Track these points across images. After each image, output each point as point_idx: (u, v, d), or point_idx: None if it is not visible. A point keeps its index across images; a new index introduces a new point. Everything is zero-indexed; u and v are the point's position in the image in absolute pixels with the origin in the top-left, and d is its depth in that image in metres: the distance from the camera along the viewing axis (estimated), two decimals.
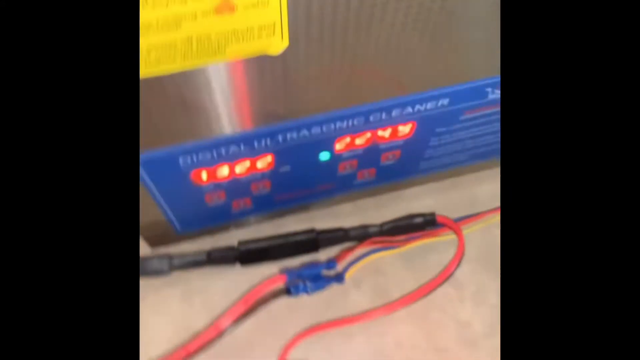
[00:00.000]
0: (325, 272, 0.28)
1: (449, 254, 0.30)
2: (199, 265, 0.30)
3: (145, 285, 0.30)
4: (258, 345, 0.28)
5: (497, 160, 0.31)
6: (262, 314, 0.28)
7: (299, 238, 0.30)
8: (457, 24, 0.19)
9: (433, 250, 0.30)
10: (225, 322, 0.26)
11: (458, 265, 0.29)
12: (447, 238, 0.30)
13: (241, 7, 0.15)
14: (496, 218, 0.31)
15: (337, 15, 0.17)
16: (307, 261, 0.29)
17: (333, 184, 0.28)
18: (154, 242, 0.30)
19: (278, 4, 0.16)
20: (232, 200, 0.26)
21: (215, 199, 0.26)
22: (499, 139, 0.28)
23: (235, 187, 0.25)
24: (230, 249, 0.29)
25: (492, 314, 0.30)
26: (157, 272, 0.29)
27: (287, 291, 0.27)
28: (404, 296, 0.28)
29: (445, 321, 0.30)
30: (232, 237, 0.30)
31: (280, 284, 0.26)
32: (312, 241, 0.30)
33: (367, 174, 0.28)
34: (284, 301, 0.28)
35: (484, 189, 0.33)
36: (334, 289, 0.30)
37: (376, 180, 0.29)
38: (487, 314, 0.30)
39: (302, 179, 0.26)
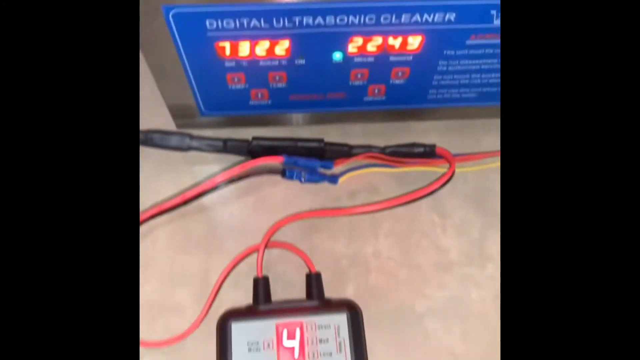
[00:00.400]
0: (322, 170, 0.31)
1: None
2: (214, 150, 0.33)
3: (164, 157, 0.33)
4: (247, 221, 0.31)
5: None
6: (254, 190, 0.31)
7: (307, 144, 0.32)
8: None
9: (428, 178, 0.32)
10: (220, 178, 0.29)
11: (442, 185, 0.30)
12: (443, 170, 0.32)
13: None
14: (495, 164, 0.33)
15: None
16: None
17: (344, 94, 0.30)
18: (179, 122, 0.33)
19: None
20: (250, 88, 0.29)
21: (236, 82, 0.29)
22: None
23: (254, 72, 0.28)
24: (244, 141, 0.32)
25: (470, 246, 0.31)
26: (177, 148, 0.33)
27: (283, 173, 0.30)
28: (389, 199, 0.30)
29: (425, 244, 0.32)
30: (249, 134, 0.33)
31: (277, 162, 0.29)
32: (319, 149, 0.32)
33: (377, 90, 0.30)
34: (277, 183, 0.31)
35: (489, 137, 0.34)
36: (327, 193, 0.32)
37: (386, 101, 0.31)
38: (466, 245, 0.31)
39: (316, 79, 0.29)
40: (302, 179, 0.30)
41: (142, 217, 0.29)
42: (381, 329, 0.29)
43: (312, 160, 0.30)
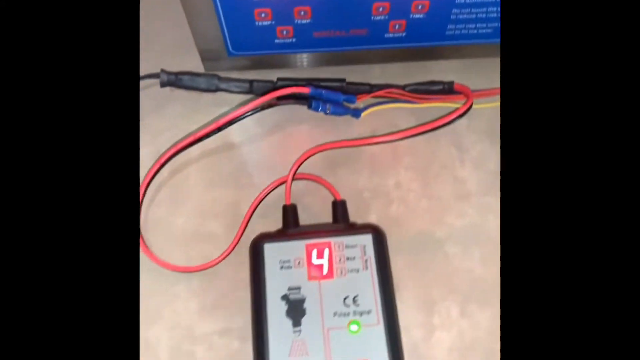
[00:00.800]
0: (347, 104, 0.32)
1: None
2: (241, 91, 0.34)
3: (194, 98, 0.34)
4: (273, 157, 0.33)
5: None
6: (279, 128, 0.33)
7: (329, 84, 0.33)
8: None
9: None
10: (252, 105, 0.30)
11: (461, 116, 0.31)
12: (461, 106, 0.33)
13: None
14: None
15: None
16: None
17: (366, 30, 0.31)
18: (208, 65, 0.34)
19: None
20: (277, 24, 0.30)
21: (263, 18, 0.30)
22: None
23: (281, 7, 0.29)
24: (269, 81, 0.34)
25: (487, 178, 0.33)
26: (205, 89, 0.34)
27: (309, 104, 0.31)
28: (408, 128, 0.32)
29: (444, 176, 0.33)
30: (274, 76, 0.34)
31: (304, 92, 0.30)
32: (341, 89, 0.33)
33: (398, 26, 0.31)
34: (302, 121, 0.33)
35: None
36: (350, 130, 0.34)
37: (406, 37, 0.32)
38: (483, 177, 0.33)
39: (339, 14, 0.30)
40: (327, 111, 0.31)
41: (178, 146, 0.30)
42: (403, 254, 0.30)
43: (336, 93, 0.31)
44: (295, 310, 0.27)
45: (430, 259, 0.31)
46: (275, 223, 0.31)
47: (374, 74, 0.35)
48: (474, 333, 0.29)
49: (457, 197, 0.32)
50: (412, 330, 0.29)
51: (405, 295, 0.29)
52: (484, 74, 0.35)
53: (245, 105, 0.31)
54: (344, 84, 0.33)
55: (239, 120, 0.30)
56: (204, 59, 0.34)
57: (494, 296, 0.29)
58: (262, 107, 0.31)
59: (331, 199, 0.31)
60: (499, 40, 0.33)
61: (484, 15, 0.31)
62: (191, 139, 0.31)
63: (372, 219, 0.31)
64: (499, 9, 0.30)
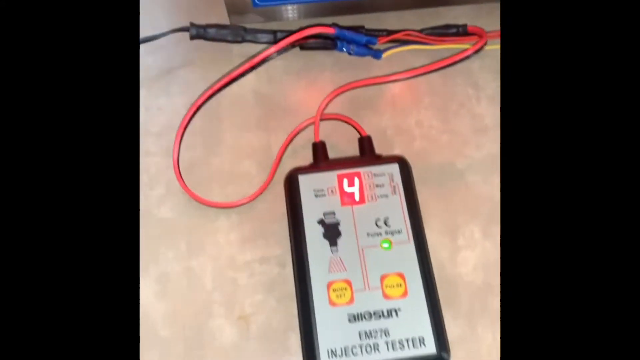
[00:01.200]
0: (369, 45, 0.34)
1: (470, 61, 0.35)
2: (265, 41, 0.36)
3: (221, 48, 0.36)
4: (300, 101, 0.34)
5: None
6: (305, 73, 0.35)
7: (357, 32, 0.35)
8: None
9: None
10: (273, 50, 0.32)
11: (476, 52, 0.33)
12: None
13: None
14: None
15: None
16: None
17: None
18: (234, 19, 0.36)
19: None
20: None
21: None
22: None
23: None
24: (292, 31, 0.35)
25: None
26: (231, 40, 0.36)
27: (334, 45, 0.33)
28: (427, 64, 0.33)
29: (462, 113, 0.35)
30: (296, 27, 0.36)
31: (329, 32, 0.32)
32: (366, 34, 0.35)
33: None
34: (325, 67, 0.34)
35: None
36: (372, 73, 0.35)
37: None
38: (498, 111, 0.34)
39: None
40: (351, 51, 0.33)
41: (211, 90, 0.32)
42: (427, 184, 0.32)
43: (359, 34, 0.33)
44: (331, 232, 0.29)
45: (452, 188, 0.32)
46: (305, 161, 0.33)
47: (390, 21, 0.37)
48: (496, 252, 0.31)
49: (475, 131, 0.34)
50: (439, 251, 0.31)
51: (432, 222, 0.31)
52: (494, 17, 0.37)
53: (279, 42, 0.32)
54: (364, 30, 0.35)
55: (267, 61, 0.32)
56: (231, 12, 0.35)
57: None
58: (287, 49, 0.32)
59: (357, 137, 0.33)
60: None
61: None
62: (221, 83, 0.32)
63: (397, 152, 0.33)
64: None
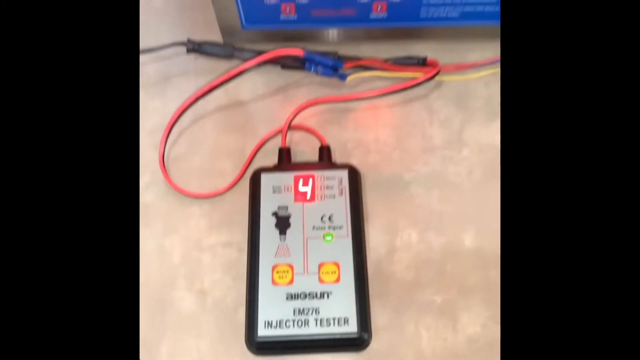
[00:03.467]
0: (335, 69, 0.38)
1: (429, 89, 0.39)
2: (251, 58, 0.40)
3: (213, 63, 0.41)
4: (274, 112, 0.39)
5: (484, 28, 0.39)
6: (280, 89, 0.39)
7: (325, 54, 0.39)
8: None
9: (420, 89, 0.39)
10: (249, 64, 0.36)
11: (427, 81, 0.37)
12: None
13: None
14: (475, 74, 0.39)
15: None
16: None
17: (354, 10, 0.37)
18: (226, 38, 0.41)
19: None
20: (281, 2, 0.37)
21: None
22: (482, 0, 0.36)
23: None
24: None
25: (451, 135, 0.38)
26: (222, 56, 0.40)
27: (303, 65, 0.37)
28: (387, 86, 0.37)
29: (415, 133, 0.38)
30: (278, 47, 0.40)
31: (299, 54, 0.36)
32: (333, 58, 0.39)
33: (380, 7, 0.37)
34: (298, 85, 0.39)
35: (472, 56, 0.40)
36: (342, 90, 0.39)
37: (387, 18, 0.38)
38: (447, 134, 0.38)
39: None
40: (318, 71, 0.37)
41: (198, 94, 0.36)
42: (377, 191, 0.36)
43: (326, 57, 0.37)
44: (282, 223, 0.33)
45: (398, 196, 0.36)
46: (272, 163, 0.37)
47: (363, 50, 0.41)
48: (428, 254, 0.34)
49: (424, 150, 0.37)
50: (378, 249, 0.34)
51: (376, 223, 0.35)
52: (453, 53, 0.40)
53: (255, 58, 0.37)
54: (338, 56, 0.39)
55: (247, 71, 0.37)
56: (223, 33, 0.40)
57: (447, 227, 0.35)
58: (266, 62, 0.36)
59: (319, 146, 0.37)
60: (464, 22, 0.38)
61: (449, 0, 0.36)
62: (206, 87, 0.37)
63: (354, 162, 0.37)
64: None
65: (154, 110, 0.39)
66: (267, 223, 0.33)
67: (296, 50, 0.36)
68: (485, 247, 0.34)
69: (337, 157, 0.37)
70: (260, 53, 0.39)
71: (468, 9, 0.37)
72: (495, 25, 0.39)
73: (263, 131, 0.38)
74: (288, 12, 0.37)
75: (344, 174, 0.34)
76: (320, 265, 0.31)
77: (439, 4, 0.37)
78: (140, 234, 0.35)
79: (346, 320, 0.30)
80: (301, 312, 0.30)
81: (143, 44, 0.40)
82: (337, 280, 0.31)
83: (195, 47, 0.40)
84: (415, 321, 0.32)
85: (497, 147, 0.37)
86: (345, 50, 0.40)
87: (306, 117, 0.39)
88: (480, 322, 0.32)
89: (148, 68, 0.41)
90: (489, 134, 0.38)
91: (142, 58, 0.41)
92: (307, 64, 0.37)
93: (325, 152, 0.36)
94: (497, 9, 0.37)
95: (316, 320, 0.30)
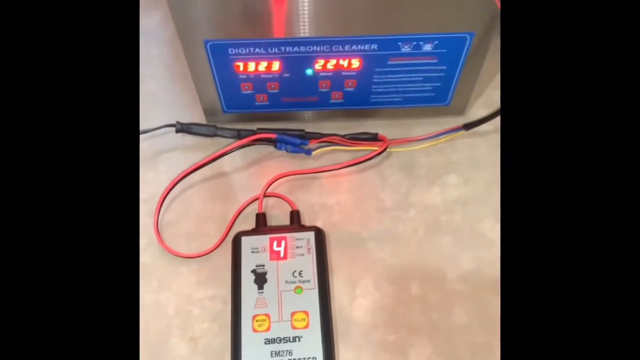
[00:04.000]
0: (302, 146, 0.45)
1: (381, 159, 0.46)
2: (231, 137, 0.47)
3: (199, 141, 0.47)
4: (252, 182, 0.45)
5: (424, 108, 0.47)
6: (256, 163, 0.46)
7: (294, 133, 0.46)
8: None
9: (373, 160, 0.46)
10: (230, 147, 0.43)
11: (377, 155, 0.44)
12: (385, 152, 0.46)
13: None
14: (419, 146, 0.47)
15: None
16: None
17: (317, 98, 0.45)
18: (209, 119, 0.48)
19: None
20: (255, 93, 0.44)
21: (246, 89, 0.43)
22: (419, 88, 0.44)
23: (258, 81, 0.43)
24: (252, 130, 0.47)
25: (400, 198, 0.45)
26: (206, 135, 0.47)
27: (275, 145, 0.44)
28: (343, 162, 0.45)
29: (370, 197, 0.45)
30: (255, 127, 0.47)
31: (271, 137, 0.43)
32: (300, 135, 0.46)
33: (337, 95, 0.44)
34: (272, 158, 0.46)
35: (415, 131, 0.48)
36: (305, 165, 0.46)
37: (344, 103, 0.45)
38: (397, 197, 0.45)
39: (297, 86, 0.43)
40: (288, 150, 0.44)
41: (187, 171, 0.43)
42: (339, 247, 0.43)
43: (294, 138, 0.44)
44: (260, 279, 0.39)
45: (356, 252, 0.43)
46: (251, 226, 0.43)
47: (326, 127, 0.48)
48: (382, 301, 0.41)
49: (378, 211, 0.45)
50: (341, 298, 0.41)
51: (339, 275, 0.41)
52: (399, 129, 0.48)
53: (234, 143, 0.44)
54: (304, 132, 0.47)
55: (228, 154, 0.43)
56: (207, 114, 0.47)
57: (397, 277, 0.41)
58: (244, 146, 0.43)
59: (290, 209, 0.44)
60: (407, 105, 0.46)
61: (393, 89, 0.44)
62: (194, 166, 0.43)
63: (319, 224, 0.44)
64: (402, 85, 0.44)
65: (148, 182, 0.46)
66: (247, 279, 0.39)
67: (269, 135, 0.43)
68: (428, 293, 0.41)
69: (306, 218, 0.44)
70: (239, 131, 0.47)
71: (409, 95, 0.45)
72: (432, 106, 0.46)
73: (242, 198, 0.45)
74: (262, 99, 0.45)
75: (311, 235, 0.41)
76: (292, 314, 0.37)
77: (385, 92, 0.44)
78: (139, 290, 0.41)
79: None
80: (277, 354, 0.36)
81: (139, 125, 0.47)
82: (307, 326, 0.37)
83: (184, 128, 0.46)
84: (374, 357, 0.38)
85: (439, 207, 0.45)
86: (310, 127, 0.47)
87: (278, 186, 0.45)
88: (426, 355, 0.38)
89: (143, 145, 0.47)
90: (431, 197, 0.45)
91: (140, 137, 0.47)
92: (278, 144, 0.44)
93: (295, 216, 0.43)
94: (432, 94, 0.45)
95: None
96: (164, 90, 0.51)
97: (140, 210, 0.44)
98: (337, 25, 0.38)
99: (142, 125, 0.47)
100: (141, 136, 0.47)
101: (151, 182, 0.46)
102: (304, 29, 0.38)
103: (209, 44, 0.39)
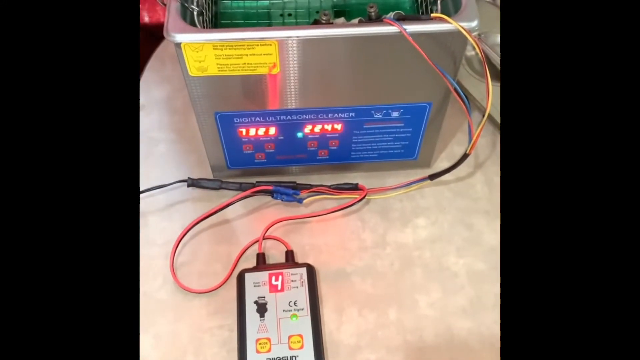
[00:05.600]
0: (294, 196, 0.52)
1: (361, 205, 0.53)
2: (235, 189, 0.54)
3: (206, 193, 0.54)
4: (253, 226, 0.52)
5: (396, 162, 0.54)
6: (256, 210, 0.52)
7: (287, 185, 0.54)
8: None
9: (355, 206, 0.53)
10: (234, 199, 0.50)
11: (358, 202, 0.51)
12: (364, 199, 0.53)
13: None
14: (394, 193, 0.54)
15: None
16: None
17: (306, 155, 0.52)
18: (215, 174, 0.55)
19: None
20: (255, 152, 0.51)
21: (247, 149, 0.51)
22: (391, 146, 0.52)
23: (257, 143, 0.50)
24: (252, 183, 0.54)
25: (378, 238, 0.52)
26: (213, 188, 0.54)
27: (272, 196, 0.51)
28: (329, 209, 0.51)
29: (352, 238, 0.52)
30: (255, 180, 0.54)
31: (269, 188, 0.50)
32: (292, 187, 0.53)
33: (323, 152, 0.52)
34: (269, 205, 0.52)
35: (389, 181, 0.55)
36: (297, 210, 0.53)
37: (329, 159, 0.53)
38: (375, 237, 0.52)
39: (290, 146, 0.50)
40: (282, 199, 0.51)
41: (196, 220, 0.50)
42: (327, 281, 0.49)
43: (288, 189, 0.51)
44: (261, 309, 0.45)
45: (342, 284, 0.49)
46: (252, 264, 0.49)
47: (313, 179, 0.56)
48: (364, 326, 0.47)
49: (359, 249, 0.51)
50: (330, 323, 0.46)
51: (328, 304, 0.47)
52: (376, 179, 0.55)
53: (236, 196, 0.50)
54: (295, 184, 0.54)
55: (232, 204, 0.50)
56: (213, 170, 0.54)
57: (377, 305, 0.48)
58: (245, 197, 0.50)
59: (285, 250, 0.50)
60: (381, 160, 0.53)
61: (369, 147, 0.52)
62: (203, 215, 0.50)
63: (310, 261, 0.50)
64: (377, 144, 0.51)
65: (163, 230, 0.52)
66: (250, 309, 0.45)
67: (267, 187, 0.50)
68: (403, 318, 0.47)
69: (299, 256, 0.50)
70: (241, 184, 0.53)
71: (382, 151, 0.52)
72: (402, 161, 0.54)
73: (244, 241, 0.51)
74: (260, 157, 0.52)
75: (303, 271, 0.47)
76: (289, 337, 0.43)
77: (363, 149, 0.52)
78: (157, 322, 0.46)
79: None
80: None
81: (154, 181, 0.53)
82: (302, 347, 0.43)
83: (194, 183, 0.53)
84: None
85: (411, 245, 0.51)
86: (301, 180, 0.55)
87: (275, 230, 0.52)
88: None
89: (159, 198, 0.54)
90: (404, 236, 0.52)
91: (154, 192, 0.54)
92: (274, 195, 0.51)
93: (289, 255, 0.49)
94: (402, 150, 0.53)
95: None
96: (176, 151, 0.58)
97: (157, 253, 0.50)
98: (322, 99, 0.46)
99: (158, 181, 0.54)
100: (157, 190, 0.54)
101: (166, 229, 0.52)
102: (295, 102, 0.45)
103: (218, 115, 0.46)
